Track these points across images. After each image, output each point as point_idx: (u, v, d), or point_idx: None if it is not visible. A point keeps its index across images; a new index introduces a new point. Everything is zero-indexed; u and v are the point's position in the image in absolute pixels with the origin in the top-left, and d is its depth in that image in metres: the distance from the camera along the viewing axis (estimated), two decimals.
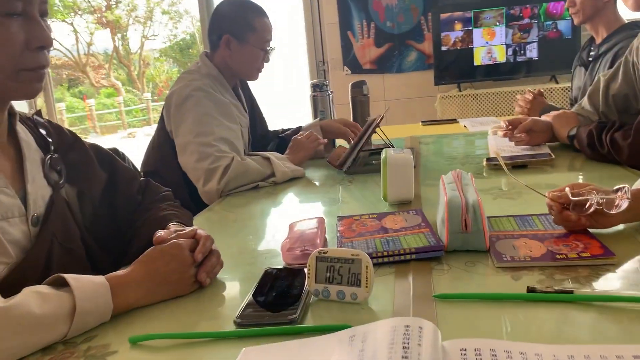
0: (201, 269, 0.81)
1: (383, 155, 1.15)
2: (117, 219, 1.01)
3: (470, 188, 0.93)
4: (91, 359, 0.65)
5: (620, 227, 0.91)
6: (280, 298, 0.73)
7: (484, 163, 1.46)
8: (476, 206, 0.85)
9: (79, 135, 1.03)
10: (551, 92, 3.61)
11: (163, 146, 1.56)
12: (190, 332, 0.69)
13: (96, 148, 1.05)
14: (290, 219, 1.05)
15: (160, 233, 0.84)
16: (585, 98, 1.68)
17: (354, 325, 0.62)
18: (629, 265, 0.77)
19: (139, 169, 1.64)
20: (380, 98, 4.13)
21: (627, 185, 0.85)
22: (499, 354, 0.55)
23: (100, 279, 0.74)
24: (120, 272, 0.77)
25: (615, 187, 0.86)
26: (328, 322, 0.69)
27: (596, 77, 1.89)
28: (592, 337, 0.60)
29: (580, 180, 1.28)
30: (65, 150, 0.96)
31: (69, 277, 0.70)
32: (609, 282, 0.73)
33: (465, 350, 0.56)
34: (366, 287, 0.71)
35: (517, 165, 1.43)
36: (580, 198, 0.85)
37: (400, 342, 0.53)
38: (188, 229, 0.86)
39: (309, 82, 1.95)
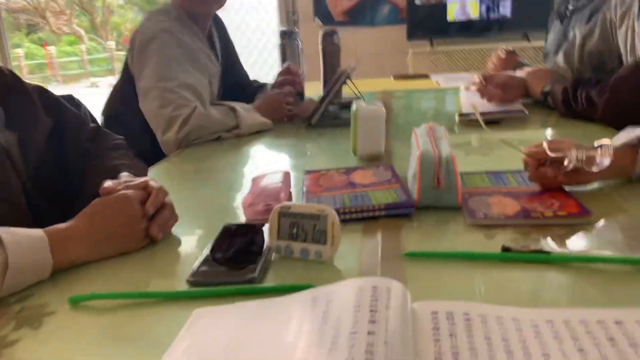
0: (153, 223, 0.74)
1: (354, 107, 1.09)
2: (65, 170, 0.93)
3: (444, 142, 0.87)
4: (24, 321, 0.58)
5: (596, 184, 0.87)
6: (238, 256, 0.67)
7: (457, 118, 1.42)
8: (449, 161, 0.80)
9: (35, 82, 0.94)
10: (523, 51, 3.57)
11: (126, 89, 1.45)
12: (137, 291, 0.63)
13: (40, 90, 0.96)
14: (254, 173, 0.99)
15: (108, 184, 0.76)
16: (560, 54, 1.64)
17: (318, 285, 0.57)
18: (605, 224, 0.73)
19: (100, 114, 1.54)
20: (352, 52, 4.02)
21: (608, 142, 0.81)
22: (473, 319, 0.51)
23: (37, 232, 0.66)
24: (61, 225, 0.70)
25: (596, 144, 0.82)
26: (291, 281, 0.64)
27: (571, 33, 1.85)
28: (569, 300, 0.56)
29: (543, 138, 1.25)
30: (4, 92, 0.87)
31: (1, 230, 0.63)
32: (586, 242, 0.69)
33: (436, 313, 0.52)
34: (332, 244, 0.66)
35: (491, 121, 1.38)
36: (559, 154, 0.81)
37: (368, 304, 0.49)
38: (139, 179, 0.79)
39: (279, 29, 1.85)
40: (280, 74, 1.64)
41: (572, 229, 0.73)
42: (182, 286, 0.64)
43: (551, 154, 0.81)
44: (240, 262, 0.66)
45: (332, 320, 0.48)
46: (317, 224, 0.67)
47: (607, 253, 0.65)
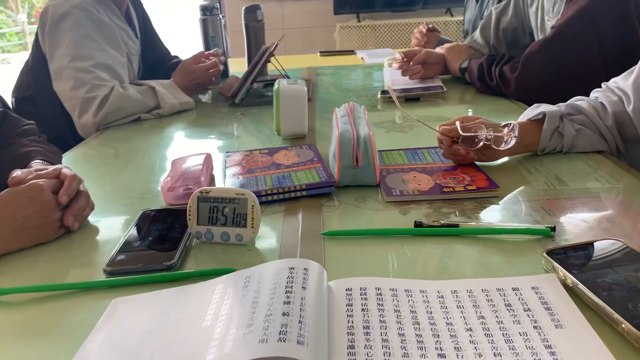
0: (67, 211, 0.72)
1: (275, 86, 1.09)
2: None
3: (363, 121, 0.90)
4: None
5: (506, 159, 0.93)
6: (157, 242, 0.67)
7: (379, 96, 1.45)
8: (367, 140, 0.82)
9: None
10: (446, 25, 3.67)
11: (38, 69, 1.38)
12: (53, 283, 0.61)
13: None
14: (177, 155, 0.97)
15: (17, 173, 0.73)
16: (477, 31, 1.70)
17: (239, 269, 0.58)
18: (511, 198, 0.78)
19: (11, 95, 1.45)
20: (279, 26, 3.99)
21: (514, 122, 0.85)
22: (384, 292, 0.54)
23: None
24: None
25: (503, 123, 0.87)
26: (212, 266, 0.64)
27: (487, 11, 1.92)
28: (476, 271, 0.60)
29: (470, 114, 1.31)
30: None
31: None
32: (494, 215, 0.74)
33: (350, 290, 0.55)
34: (252, 227, 0.67)
35: (411, 98, 1.42)
36: (470, 134, 0.85)
37: (284, 285, 0.50)
38: (51, 167, 0.76)
39: (199, 4, 1.80)
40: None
41: (481, 203, 0.77)
42: (100, 276, 0.63)
43: (463, 134, 0.85)
44: (159, 248, 0.66)
45: (249, 303, 0.50)
46: (237, 208, 0.67)
47: (512, 224, 0.69)
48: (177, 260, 0.63)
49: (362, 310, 0.51)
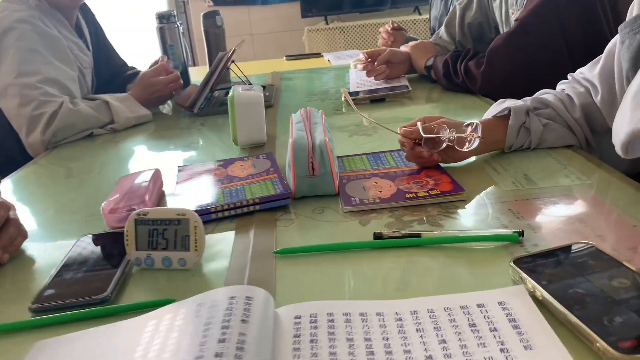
0: None
1: (230, 93, 1.03)
2: None
3: (319, 127, 0.84)
4: None
5: (472, 158, 0.88)
6: (91, 272, 0.61)
7: (343, 98, 1.40)
8: (323, 147, 0.77)
9: None
10: (415, 24, 3.64)
11: None
12: None
13: None
14: (127, 172, 0.91)
15: None
16: (442, 27, 1.66)
17: (180, 299, 0.52)
18: (477, 201, 0.74)
19: None
20: (247, 32, 3.93)
21: (477, 121, 0.81)
22: (336, 319, 0.49)
23: None
24: None
25: (466, 122, 0.82)
26: (154, 296, 0.58)
27: (452, 7, 1.88)
28: (439, 285, 0.55)
29: (436, 113, 1.27)
30: None
31: None
32: (459, 220, 0.69)
33: (299, 317, 0.49)
34: (196, 250, 0.61)
35: (376, 99, 1.38)
36: (432, 135, 0.80)
37: (220, 320, 0.44)
38: None
39: (156, 12, 1.74)
40: (154, 64, 1.53)
41: (445, 208, 0.72)
42: (27, 314, 0.57)
43: (425, 135, 0.80)
44: (92, 279, 0.59)
45: (183, 342, 0.44)
46: (179, 230, 0.61)
47: (477, 231, 0.65)
48: (110, 293, 0.57)
49: (311, 341, 0.46)
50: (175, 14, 1.74)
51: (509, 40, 1.25)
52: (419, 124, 0.82)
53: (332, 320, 0.48)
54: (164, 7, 3.77)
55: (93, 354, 0.47)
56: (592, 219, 0.66)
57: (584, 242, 0.55)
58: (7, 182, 1.04)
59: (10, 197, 0.97)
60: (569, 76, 0.95)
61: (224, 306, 0.46)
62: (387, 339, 0.46)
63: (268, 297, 0.50)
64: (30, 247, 0.73)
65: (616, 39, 0.83)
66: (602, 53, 0.89)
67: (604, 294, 0.46)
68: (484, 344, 0.44)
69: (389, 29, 2.08)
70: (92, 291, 0.57)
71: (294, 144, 0.77)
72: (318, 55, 2.37)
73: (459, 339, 0.45)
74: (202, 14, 1.77)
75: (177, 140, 1.22)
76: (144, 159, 1.15)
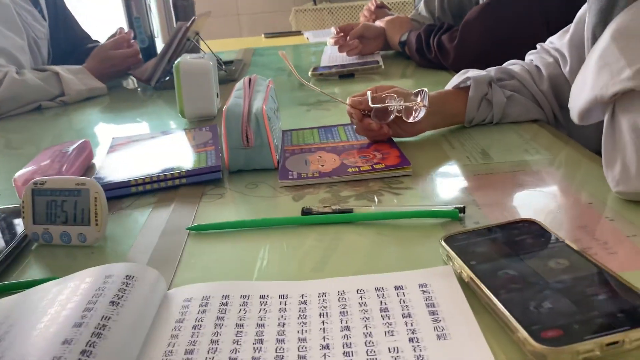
0: None
1: (176, 62, 0.96)
2: None
3: (261, 95, 0.77)
4: None
5: (429, 133, 0.82)
6: None
7: (309, 73, 1.32)
8: (259, 116, 0.70)
9: None
10: (404, 6, 3.55)
11: None
12: None
13: None
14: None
15: None
16: (422, 3, 1.58)
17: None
18: (423, 176, 0.67)
19: None
20: (234, 12, 3.84)
21: (425, 89, 0.74)
22: (231, 302, 0.42)
23: None
24: None
25: (415, 91, 0.75)
26: (52, 273, 0.52)
27: None
28: (364, 265, 0.48)
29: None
30: None
31: None
32: (401, 197, 0.62)
33: (189, 300, 0.43)
34: (96, 225, 0.54)
35: (344, 74, 1.30)
36: (380, 105, 0.73)
37: (85, 301, 0.38)
38: None
39: None
40: (112, 36, 1.45)
41: (388, 183, 0.66)
42: None
43: (373, 105, 0.73)
44: None
45: (37, 325, 0.37)
46: (79, 201, 0.55)
47: (415, 207, 0.58)
48: None
49: (194, 327, 0.39)
50: None
51: (483, 12, 1.18)
52: (368, 93, 0.75)
53: (225, 304, 0.42)
54: None
55: None
56: (547, 196, 0.60)
57: (526, 219, 0.48)
58: None
59: None
60: (538, 46, 0.88)
61: (95, 286, 0.40)
62: (283, 324, 0.39)
63: (158, 277, 0.44)
64: None
65: (587, 4, 0.76)
66: None
67: (537, 276, 0.40)
68: (392, 332, 0.38)
69: (372, 7, 2.00)
70: None
71: (226, 112, 0.70)
72: (298, 33, 2.29)
73: (365, 325, 0.39)
74: None
75: (129, 113, 1.15)
76: (93, 132, 1.08)
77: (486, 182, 0.64)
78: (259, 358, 0.36)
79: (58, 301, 0.39)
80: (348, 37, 1.46)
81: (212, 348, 0.37)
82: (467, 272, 0.42)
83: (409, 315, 0.39)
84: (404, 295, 0.42)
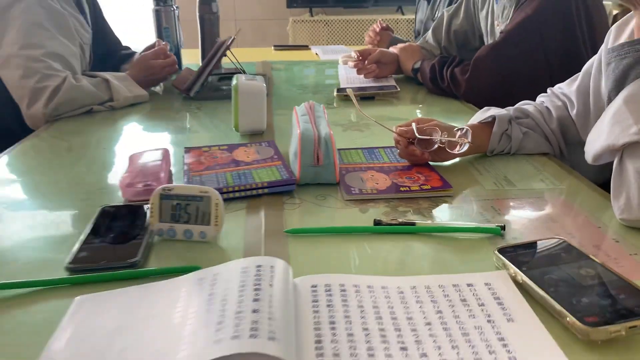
0: None
1: (234, 82, 1.09)
2: None
3: (323, 121, 0.92)
4: None
5: (457, 159, 0.97)
6: (118, 239, 0.67)
7: (335, 93, 1.47)
8: (328, 140, 0.84)
9: None
10: (397, 23, 3.73)
11: None
12: (14, 281, 0.60)
13: None
14: (132, 150, 0.96)
15: None
16: (429, 32, 1.75)
17: (204, 267, 0.59)
18: (463, 197, 0.82)
19: None
20: (231, 17, 3.95)
21: (467, 127, 0.90)
22: (348, 289, 0.56)
23: None
24: None
25: (457, 128, 0.91)
26: (175, 263, 0.65)
27: (438, 13, 1.97)
28: (432, 267, 0.63)
29: (419, 113, 1.36)
30: None
31: None
32: (447, 213, 0.78)
33: (316, 286, 0.57)
34: (216, 225, 0.68)
35: (365, 97, 1.45)
36: (426, 137, 0.88)
37: (252, 283, 0.51)
38: None
39: None
40: (150, 47, 1.57)
41: (434, 202, 0.81)
42: (61, 273, 0.62)
43: (419, 136, 0.88)
44: (121, 245, 0.65)
45: (218, 301, 0.51)
46: (200, 206, 0.68)
47: (465, 223, 0.73)
48: (140, 258, 0.63)
49: (328, 306, 0.53)
50: None
51: (493, 51, 1.35)
52: (413, 124, 0.90)
53: (344, 290, 0.56)
54: None
55: (133, 309, 0.54)
56: (563, 219, 0.76)
57: (557, 238, 0.64)
58: (12, 153, 1.08)
59: (18, 167, 1.01)
60: (548, 90, 1.05)
61: (253, 272, 0.53)
62: (392, 307, 0.54)
63: (287, 267, 0.57)
64: (53, 214, 0.78)
65: (593, 60, 0.93)
66: (577, 69, 0.99)
67: (573, 280, 0.55)
68: (473, 315, 0.53)
69: (377, 29, 2.16)
70: (123, 255, 0.63)
71: (302, 136, 0.84)
72: (305, 47, 2.43)
73: (453, 310, 0.53)
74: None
75: (174, 121, 1.28)
76: (143, 137, 1.20)
77: (514, 204, 0.79)
78: (383, 329, 0.50)
79: (228, 284, 0.52)
80: (366, 61, 1.61)
81: (347, 320, 0.51)
82: (521, 276, 0.57)
83: (483, 305, 0.54)
84: (475, 290, 0.56)
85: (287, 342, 0.45)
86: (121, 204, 0.78)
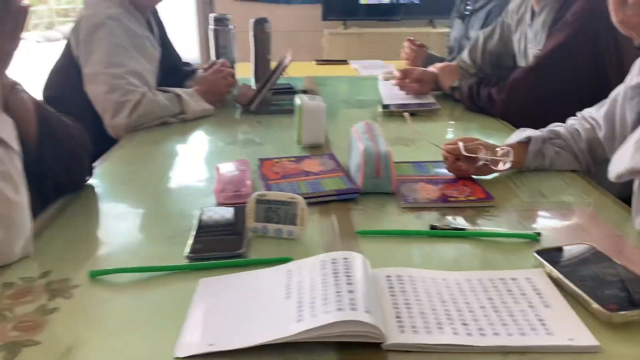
0: None
1: (298, 102, 1.25)
2: None
3: (381, 139, 1.06)
4: (55, 293, 0.70)
5: (496, 174, 1.11)
6: (224, 234, 0.82)
7: (380, 109, 1.61)
8: (387, 155, 0.99)
9: None
10: (429, 37, 3.86)
11: (68, 71, 1.50)
12: (152, 266, 0.75)
13: None
14: (204, 158, 1.12)
15: None
16: (466, 52, 1.89)
17: (295, 258, 0.74)
18: (503, 207, 0.96)
19: (41, 94, 1.56)
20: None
21: (509, 148, 1.03)
22: (415, 279, 0.71)
23: None
24: None
25: (499, 147, 1.05)
26: (267, 255, 0.79)
27: (474, 33, 2.11)
28: (481, 265, 0.77)
29: (459, 130, 1.49)
30: None
31: None
32: (490, 221, 0.91)
33: (390, 276, 0.71)
34: (302, 225, 0.83)
35: (407, 113, 1.59)
36: (472, 155, 1.02)
37: (343, 270, 0.66)
38: None
39: (211, 15, 1.94)
40: (212, 64, 1.74)
41: (478, 211, 0.94)
42: (181, 261, 0.78)
43: (465, 154, 1.02)
44: (227, 239, 0.81)
45: (319, 283, 0.65)
46: (289, 209, 0.83)
47: (506, 230, 0.87)
48: (244, 249, 0.78)
49: (402, 291, 0.68)
50: (230, 17, 1.95)
51: (528, 75, 1.48)
52: (460, 143, 1.04)
53: (413, 280, 0.70)
54: (191, 3, 3.95)
55: (250, 288, 0.69)
56: (590, 228, 0.89)
57: (587, 244, 0.77)
58: (104, 165, 1.24)
59: (115, 175, 1.18)
60: (577, 114, 1.18)
61: (342, 262, 0.68)
62: (452, 294, 0.68)
63: (365, 260, 0.72)
64: (166, 212, 0.95)
65: (620, 88, 1.06)
66: (605, 94, 1.12)
67: (597, 277, 0.69)
68: (517, 302, 0.67)
69: (414, 47, 2.30)
70: (230, 247, 0.79)
71: (365, 151, 0.99)
72: (344, 62, 2.58)
73: (501, 297, 0.67)
74: (252, 20, 1.97)
75: (240, 134, 1.44)
76: (215, 148, 1.37)
77: (548, 215, 0.93)
78: (448, 310, 0.65)
79: (323, 271, 0.67)
80: (408, 80, 1.75)
81: (419, 302, 0.66)
82: (555, 273, 0.71)
83: (525, 294, 0.68)
84: (519, 284, 0.70)
85: (377, 316, 0.60)
86: (217, 206, 0.94)
